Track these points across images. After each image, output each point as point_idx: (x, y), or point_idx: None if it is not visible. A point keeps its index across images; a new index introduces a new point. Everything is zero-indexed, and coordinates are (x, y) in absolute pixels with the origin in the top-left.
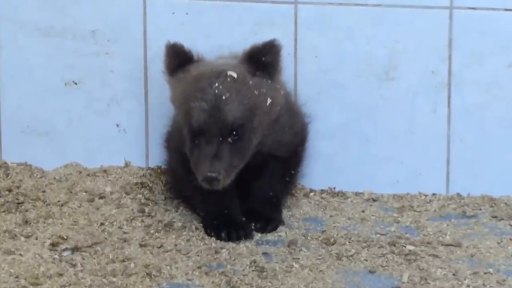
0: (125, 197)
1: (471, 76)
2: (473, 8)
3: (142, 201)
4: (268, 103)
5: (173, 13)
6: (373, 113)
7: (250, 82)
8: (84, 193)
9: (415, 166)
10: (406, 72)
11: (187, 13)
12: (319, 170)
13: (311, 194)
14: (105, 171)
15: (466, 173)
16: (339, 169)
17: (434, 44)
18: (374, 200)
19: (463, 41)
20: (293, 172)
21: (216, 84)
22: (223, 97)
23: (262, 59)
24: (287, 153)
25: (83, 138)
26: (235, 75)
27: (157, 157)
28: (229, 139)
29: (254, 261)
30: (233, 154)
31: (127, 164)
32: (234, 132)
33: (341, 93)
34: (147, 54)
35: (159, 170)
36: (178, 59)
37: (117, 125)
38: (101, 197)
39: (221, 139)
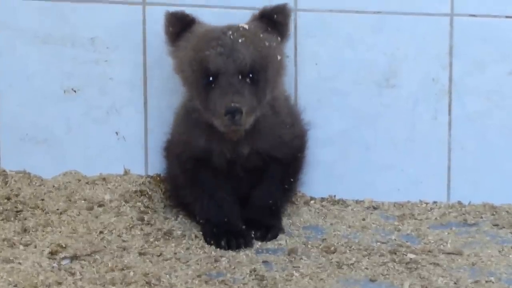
0: (124, 205)
1: (472, 83)
2: (474, 15)
3: (142, 209)
4: (278, 59)
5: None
6: (374, 121)
7: (261, 35)
8: (83, 201)
9: (415, 174)
10: (406, 80)
11: None
12: (319, 177)
13: (312, 202)
14: (104, 179)
15: (467, 181)
16: (340, 177)
17: (434, 51)
18: (374, 208)
19: (464, 48)
20: (292, 179)
21: (230, 32)
22: (240, 41)
23: (273, 18)
24: (287, 156)
25: (82, 146)
26: (246, 26)
27: (157, 165)
28: (247, 80)
29: (254, 270)
30: (251, 94)
31: (126, 172)
32: (251, 74)
33: (341, 100)
34: (146, 61)
35: (158, 178)
36: (181, 23)
37: (116, 133)
38: (100, 205)
39: (240, 77)
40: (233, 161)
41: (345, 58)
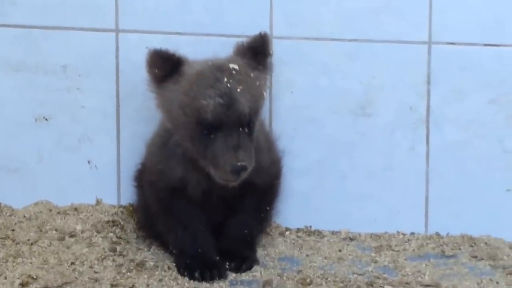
0: (96, 235)
1: (450, 112)
2: (452, 43)
3: (114, 239)
4: (265, 95)
5: (146, 47)
6: (350, 150)
7: (252, 75)
8: (54, 232)
9: (393, 204)
10: (383, 108)
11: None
12: (295, 208)
13: (287, 232)
14: (76, 209)
15: (445, 212)
16: (315, 207)
17: (412, 80)
18: (351, 239)
19: (442, 76)
20: (268, 207)
21: (225, 79)
22: (238, 90)
23: (257, 50)
24: (265, 183)
25: (53, 175)
26: (237, 67)
27: (129, 194)
28: (246, 130)
29: None
30: (249, 145)
31: (98, 202)
32: (249, 122)
33: (317, 129)
34: (119, 89)
35: (131, 208)
36: (168, 65)
37: (89, 162)
38: (71, 236)
39: (240, 129)
40: (209, 190)
41: (321, 86)
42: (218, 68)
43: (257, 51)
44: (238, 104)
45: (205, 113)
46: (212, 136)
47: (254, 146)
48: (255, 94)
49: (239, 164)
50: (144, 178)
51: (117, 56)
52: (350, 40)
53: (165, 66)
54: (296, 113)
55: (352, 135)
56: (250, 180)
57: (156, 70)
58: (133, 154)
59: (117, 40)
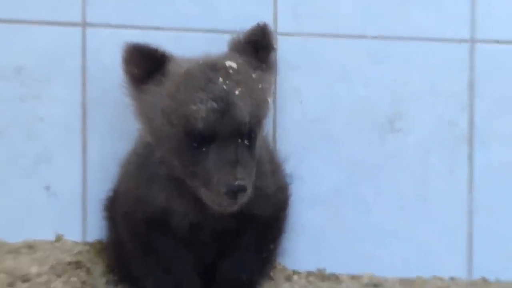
0: (55, 280)
1: (498, 127)
2: (498, 42)
3: (78, 285)
4: (269, 101)
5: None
6: (374, 174)
7: (253, 76)
8: (3, 275)
9: (428, 243)
10: (415, 123)
11: None
12: (305, 246)
13: (295, 277)
14: (30, 246)
15: (493, 252)
16: (331, 246)
17: (451, 87)
18: (375, 286)
19: (488, 83)
20: (272, 246)
21: (220, 79)
22: (236, 92)
23: (258, 46)
24: (268, 214)
25: (3, 203)
26: (234, 65)
27: (97, 229)
28: (246, 141)
29: None
30: (249, 159)
31: (58, 238)
32: (250, 132)
33: (333, 148)
34: (86, 98)
35: (99, 246)
36: (149, 64)
37: (47, 188)
38: (24, 280)
39: (239, 141)
40: (198, 223)
41: (337, 95)
42: (212, 67)
43: (258, 46)
44: (236, 109)
45: (195, 121)
46: (203, 149)
47: (256, 166)
48: (257, 98)
49: (236, 183)
50: (117, 207)
51: (83, 56)
52: (373, 38)
53: (145, 64)
54: (306, 128)
55: (377, 156)
56: (250, 210)
57: (135, 69)
58: (103, 178)
59: (84, 36)
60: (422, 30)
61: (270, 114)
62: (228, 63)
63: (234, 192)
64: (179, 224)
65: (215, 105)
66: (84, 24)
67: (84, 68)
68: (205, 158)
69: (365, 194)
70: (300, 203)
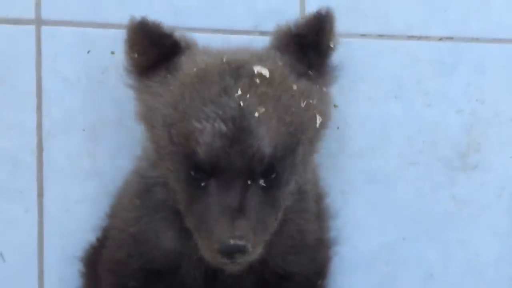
0: None
1: None
2: None
3: None
4: (317, 124)
5: (88, 51)
6: (440, 227)
7: (294, 87)
8: None
9: None
10: (497, 156)
11: (112, 52)
12: None
13: None
14: None
15: None
16: None
17: None
18: None
19: None
20: None
21: (240, 92)
22: (256, 114)
23: (310, 44)
24: (306, 273)
25: None
26: (267, 73)
27: None
28: (261, 182)
29: None
30: (265, 207)
31: None
32: (270, 171)
33: (383, 192)
34: (42, 123)
35: None
36: (155, 51)
37: None
38: None
39: (249, 182)
40: (216, 274)
41: (389, 118)
42: (234, 70)
43: (309, 43)
44: (252, 137)
45: (195, 144)
46: (203, 184)
47: (298, 206)
48: (293, 121)
49: (232, 242)
50: (102, 259)
51: (38, 63)
52: (440, 40)
53: (151, 52)
54: (345, 164)
55: (445, 201)
56: (282, 264)
57: (136, 55)
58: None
59: (38, 37)
60: (504, 28)
61: None
62: (258, 69)
63: (229, 253)
64: (191, 276)
65: (223, 127)
66: (39, 22)
67: (39, 81)
68: (203, 196)
69: (427, 254)
70: (337, 266)
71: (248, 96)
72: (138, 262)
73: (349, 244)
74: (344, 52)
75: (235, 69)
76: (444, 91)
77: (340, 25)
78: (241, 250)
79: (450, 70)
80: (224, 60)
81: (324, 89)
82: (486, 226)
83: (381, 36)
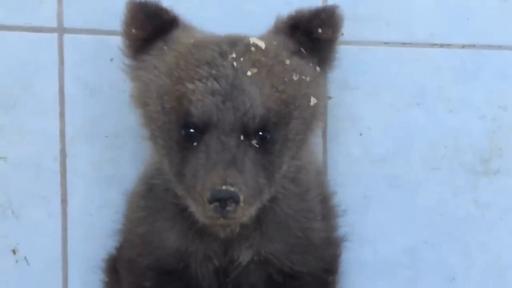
0: None
1: None
2: None
3: None
4: (311, 103)
5: (111, 59)
6: (463, 232)
7: (287, 61)
8: None
9: None
10: None
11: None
12: None
13: None
14: None
15: None
16: None
17: None
18: None
19: None
20: None
21: (234, 55)
22: (248, 73)
23: (314, 32)
24: (313, 271)
25: None
26: (262, 45)
27: None
28: (254, 141)
29: None
30: (258, 166)
31: None
32: (263, 131)
33: (404, 197)
34: (65, 130)
35: None
36: (154, 24)
37: (14, 252)
38: None
39: (242, 138)
40: (224, 273)
41: (412, 124)
42: (230, 42)
43: (312, 32)
44: (242, 95)
45: (188, 104)
46: (195, 144)
47: (301, 205)
48: (286, 90)
49: (223, 188)
50: (120, 260)
51: (61, 72)
52: (462, 47)
53: (148, 26)
54: (368, 169)
55: (467, 206)
56: (289, 263)
57: (134, 30)
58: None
59: (61, 45)
60: None
61: (319, 148)
62: (254, 40)
63: (219, 200)
64: (198, 272)
65: (216, 85)
66: (61, 30)
67: (61, 85)
68: (195, 155)
69: (450, 258)
70: (360, 271)
71: (242, 59)
72: (148, 262)
73: (372, 249)
74: (368, 60)
75: (232, 41)
76: (467, 98)
77: (364, 33)
78: (233, 197)
79: (472, 77)
80: (222, 37)
81: (318, 69)
82: (507, 229)
83: (404, 44)
